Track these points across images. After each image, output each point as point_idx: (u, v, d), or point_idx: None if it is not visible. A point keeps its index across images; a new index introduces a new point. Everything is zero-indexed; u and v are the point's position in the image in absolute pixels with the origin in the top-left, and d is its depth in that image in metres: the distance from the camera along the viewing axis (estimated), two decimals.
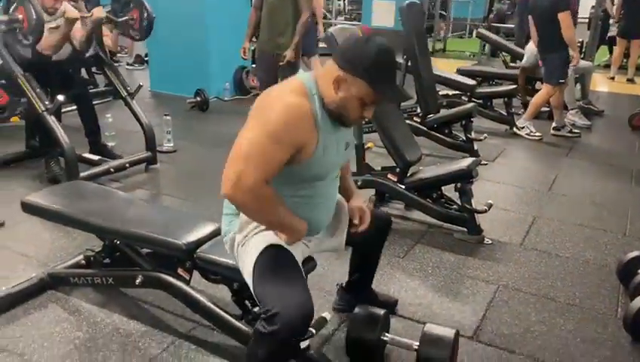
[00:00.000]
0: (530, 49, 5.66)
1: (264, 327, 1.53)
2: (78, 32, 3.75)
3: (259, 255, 1.68)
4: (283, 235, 1.70)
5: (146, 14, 3.93)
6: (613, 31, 8.84)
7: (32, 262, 2.67)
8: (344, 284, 2.31)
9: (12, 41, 3.54)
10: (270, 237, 1.71)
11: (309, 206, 1.74)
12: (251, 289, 1.69)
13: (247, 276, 1.70)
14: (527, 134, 5.10)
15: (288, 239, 1.70)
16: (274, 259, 1.67)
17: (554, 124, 5.26)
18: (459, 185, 3.03)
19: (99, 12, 3.68)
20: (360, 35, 1.71)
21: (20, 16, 3.27)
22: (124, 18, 3.95)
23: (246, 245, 1.73)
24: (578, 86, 5.87)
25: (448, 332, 1.96)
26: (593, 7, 8.62)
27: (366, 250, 2.14)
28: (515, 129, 5.18)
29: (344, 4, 13.56)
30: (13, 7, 3.37)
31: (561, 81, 4.92)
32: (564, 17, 4.62)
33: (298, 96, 1.58)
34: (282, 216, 1.66)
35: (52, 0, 3.55)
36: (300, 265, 1.74)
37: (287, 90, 1.61)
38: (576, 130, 5.28)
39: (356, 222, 1.88)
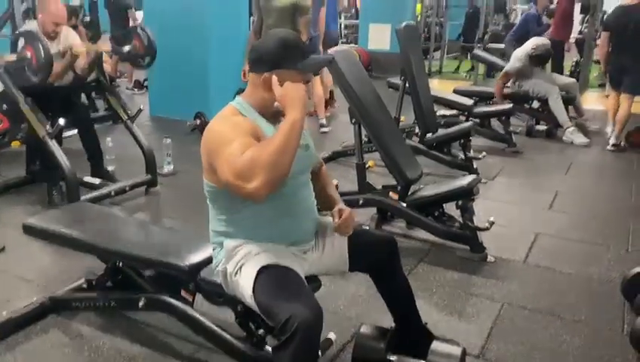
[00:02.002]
0: (517, 55, 5.75)
1: (280, 339, 1.52)
2: (81, 59, 3.79)
3: (257, 275, 1.67)
4: (297, 112, 1.58)
5: (148, 42, 3.98)
6: None
7: (33, 287, 2.64)
8: (393, 327, 2.07)
9: (14, 67, 3.56)
10: (264, 259, 1.71)
11: (287, 215, 1.77)
12: (257, 309, 1.68)
13: (250, 299, 1.69)
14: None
15: (297, 111, 1.57)
16: (273, 275, 1.67)
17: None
18: (460, 202, 3.03)
19: (104, 45, 3.75)
20: (260, 39, 1.84)
21: (29, 54, 3.30)
22: (127, 48, 4.00)
23: (240, 272, 1.73)
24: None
25: (455, 350, 1.94)
26: (586, 27, 8.78)
27: (383, 275, 2.02)
28: (610, 147, 5.35)
29: (340, 28, 13.73)
30: (21, 46, 3.38)
31: None
32: None
33: (229, 115, 1.73)
34: (279, 133, 1.56)
35: (53, 24, 3.60)
36: (302, 278, 1.73)
37: (220, 116, 1.75)
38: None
39: (336, 220, 1.83)
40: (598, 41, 8.08)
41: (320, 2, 5.70)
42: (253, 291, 1.66)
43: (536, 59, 5.70)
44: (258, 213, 1.74)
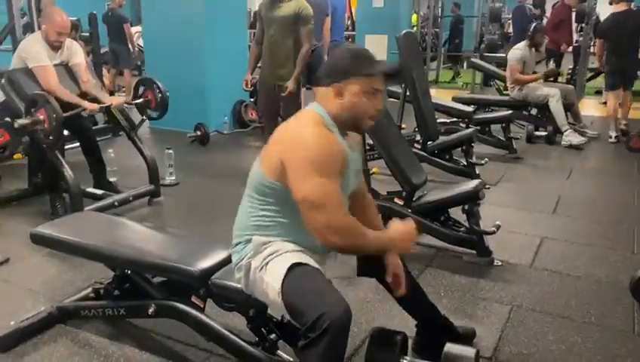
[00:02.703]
0: (515, 46, 5.93)
1: (309, 337, 1.52)
2: (84, 75, 3.80)
3: (286, 273, 1.65)
4: (396, 247, 1.77)
5: (159, 93, 4.05)
6: None
7: (39, 298, 2.62)
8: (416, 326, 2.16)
9: (17, 78, 3.57)
10: (295, 258, 1.70)
11: None
12: (280, 307, 1.66)
13: (275, 296, 1.67)
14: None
15: (403, 247, 1.77)
16: (305, 273, 1.67)
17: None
18: (466, 207, 3.03)
19: (118, 101, 3.88)
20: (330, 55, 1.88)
21: (42, 117, 3.35)
22: (139, 100, 4.06)
23: (266, 269, 1.71)
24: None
25: (469, 352, 1.93)
26: (581, 35, 8.86)
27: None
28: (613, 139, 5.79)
29: None
30: (34, 108, 3.39)
31: None
32: None
33: (321, 127, 1.69)
34: (376, 235, 1.72)
35: (56, 34, 3.61)
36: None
37: (310, 123, 1.70)
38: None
39: (389, 280, 1.85)
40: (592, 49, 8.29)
41: (324, 12, 5.77)
42: (282, 287, 1.64)
43: (534, 37, 5.80)
44: (300, 219, 1.72)
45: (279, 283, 1.65)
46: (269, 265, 1.71)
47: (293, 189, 1.63)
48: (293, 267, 1.66)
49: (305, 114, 1.77)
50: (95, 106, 3.71)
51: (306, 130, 1.67)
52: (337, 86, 1.71)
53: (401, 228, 1.76)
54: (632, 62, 5.90)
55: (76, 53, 3.81)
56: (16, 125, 3.31)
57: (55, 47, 3.66)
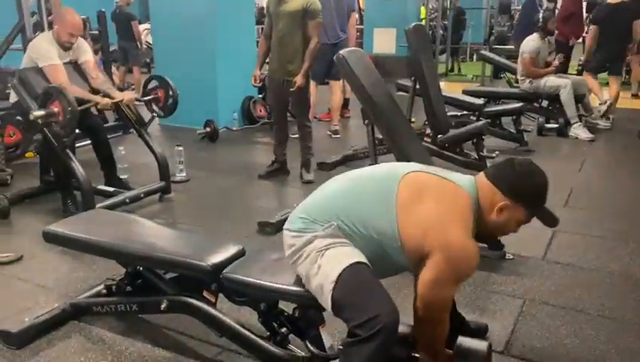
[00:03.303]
0: (528, 38, 5.89)
1: (358, 334, 1.54)
2: (93, 71, 3.82)
3: (348, 267, 1.64)
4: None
5: (170, 93, 4.09)
6: None
7: (53, 294, 2.64)
8: None
9: (28, 77, 3.59)
10: (357, 256, 1.69)
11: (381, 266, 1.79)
12: (324, 293, 1.65)
13: (322, 281, 1.66)
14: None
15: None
16: (366, 273, 1.67)
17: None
18: None
19: (129, 97, 3.90)
20: (518, 163, 1.85)
21: (56, 110, 3.36)
22: (149, 97, 4.11)
23: (326, 253, 1.69)
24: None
25: (481, 345, 1.91)
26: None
27: None
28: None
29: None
30: (49, 101, 3.39)
31: None
32: None
33: (470, 235, 1.69)
34: (437, 346, 1.80)
35: (68, 34, 3.62)
36: None
37: (465, 224, 1.69)
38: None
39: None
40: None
41: (351, 8, 5.85)
42: (339, 277, 1.63)
43: (546, 25, 5.78)
44: (368, 253, 1.72)
45: (337, 273, 1.63)
46: (330, 251, 1.68)
47: (424, 279, 1.67)
48: (358, 264, 1.66)
49: (463, 200, 1.72)
50: (107, 101, 3.73)
51: (465, 240, 1.66)
52: (509, 204, 1.72)
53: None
54: (620, 52, 6.24)
55: (85, 51, 3.82)
56: (31, 117, 3.32)
57: (66, 47, 3.67)
